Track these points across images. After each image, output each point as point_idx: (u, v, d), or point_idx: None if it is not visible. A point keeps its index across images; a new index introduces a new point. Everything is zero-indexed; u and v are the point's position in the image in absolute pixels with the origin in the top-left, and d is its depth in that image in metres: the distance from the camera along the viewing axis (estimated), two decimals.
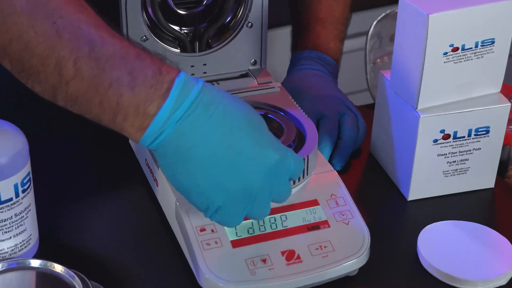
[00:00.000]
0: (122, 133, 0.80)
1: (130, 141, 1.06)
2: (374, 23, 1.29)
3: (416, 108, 0.98)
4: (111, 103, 0.77)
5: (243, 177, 0.80)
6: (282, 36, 1.42)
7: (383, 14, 1.28)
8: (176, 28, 1.03)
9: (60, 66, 0.77)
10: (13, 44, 0.77)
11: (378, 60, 1.30)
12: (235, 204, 0.82)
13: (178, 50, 1.02)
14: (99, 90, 0.77)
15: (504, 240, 0.93)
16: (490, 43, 0.97)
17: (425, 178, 1.01)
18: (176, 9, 1.02)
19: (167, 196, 0.93)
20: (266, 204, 0.83)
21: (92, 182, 1.03)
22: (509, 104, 0.99)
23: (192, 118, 0.78)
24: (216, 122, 0.79)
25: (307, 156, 0.92)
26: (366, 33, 1.34)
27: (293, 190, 0.91)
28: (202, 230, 0.87)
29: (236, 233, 0.87)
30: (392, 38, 1.30)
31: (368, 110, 1.16)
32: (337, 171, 0.97)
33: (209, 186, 0.80)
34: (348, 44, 1.37)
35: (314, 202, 0.91)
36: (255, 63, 1.07)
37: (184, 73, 0.79)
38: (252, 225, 0.88)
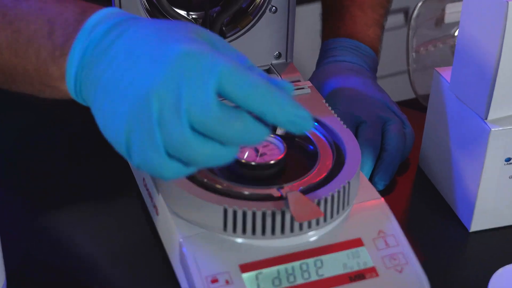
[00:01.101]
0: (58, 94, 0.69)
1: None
2: (419, 4, 1.09)
3: (486, 118, 0.78)
4: (31, 61, 0.68)
5: (138, 84, 0.61)
6: (309, 17, 1.22)
7: None
8: (183, 13, 0.83)
9: None
10: None
11: (422, 48, 1.10)
12: (137, 126, 0.61)
13: None
14: (18, 52, 0.68)
15: None
16: None
17: (493, 205, 0.82)
18: None
19: (168, 230, 0.73)
20: (178, 122, 0.60)
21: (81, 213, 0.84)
22: None
23: (98, 48, 0.64)
24: (120, 45, 0.63)
25: (348, 183, 0.72)
26: (406, 10, 1.15)
27: (331, 227, 0.72)
28: (214, 281, 0.68)
29: (258, 284, 0.68)
30: (438, 22, 1.11)
31: (414, 111, 0.97)
32: (380, 191, 0.78)
33: (110, 110, 0.62)
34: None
35: (358, 242, 0.72)
36: (279, 56, 0.89)
37: (104, 10, 0.66)
38: (279, 274, 0.69)
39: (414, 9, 1.09)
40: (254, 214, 0.69)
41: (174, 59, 0.60)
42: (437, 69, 0.86)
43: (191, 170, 0.62)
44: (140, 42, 0.63)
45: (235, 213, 0.69)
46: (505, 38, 0.74)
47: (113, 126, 0.63)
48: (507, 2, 0.72)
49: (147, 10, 0.81)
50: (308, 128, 0.61)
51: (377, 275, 0.70)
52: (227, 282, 0.68)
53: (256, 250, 0.70)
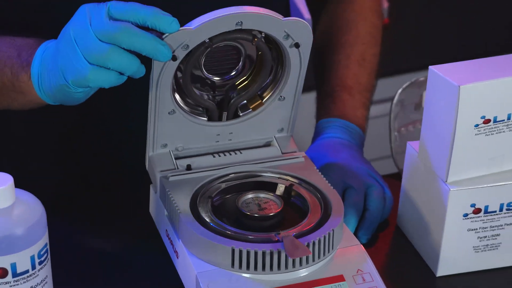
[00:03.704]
0: (28, 98, 0.95)
1: (150, 210, 1.03)
2: (399, 91, 1.27)
3: (446, 181, 0.95)
4: (8, 77, 0.95)
5: (63, 31, 0.88)
6: (307, 102, 1.40)
7: (408, 82, 1.26)
8: (205, 96, 1.00)
9: None
10: None
11: (403, 128, 1.27)
12: (64, 50, 0.87)
13: (205, 119, 0.99)
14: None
15: None
16: None
17: (455, 254, 0.98)
18: (208, 76, 0.98)
19: (187, 269, 0.90)
20: (88, 35, 0.85)
21: (112, 253, 1.01)
22: None
23: (49, 51, 0.91)
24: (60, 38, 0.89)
25: (333, 230, 0.89)
26: (390, 99, 1.32)
27: (319, 265, 0.88)
28: None
29: None
30: (416, 107, 1.28)
31: (394, 180, 1.13)
32: (363, 244, 0.94)
33: (52, 62, 0.90)
34: (372, 110, 1.35)
35: (340, 278, 0.88)
36: (281, 130, 1.04)
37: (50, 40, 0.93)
38: None
39: (395, 96, 1.26)
40: (256, 254, 0.86)
41: (80, 9, 0.87)
42: (409, 142, 1.03)
43: (110, 75, 0.86)
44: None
45: (241, 252, 0.86)
46: (458, 115, 0.91)
47: (54, 73, 0.88)
48: (459, 86, 0.90)
49: (176, 102, 0.97)
50: (174, 27, 0.85)
51: None
52: None
53: (258, 283, 0.86)
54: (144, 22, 0.85)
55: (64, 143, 1.13)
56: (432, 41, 2.09)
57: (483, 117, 0.93)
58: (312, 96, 1.27)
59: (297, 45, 0.93)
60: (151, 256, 0.99)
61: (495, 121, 0.93)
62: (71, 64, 0.86)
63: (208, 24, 0.87)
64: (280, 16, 0.90)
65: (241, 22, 0.88)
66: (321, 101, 1.21)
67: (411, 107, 1.30)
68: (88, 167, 1.13)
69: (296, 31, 0.91)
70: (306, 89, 1.56)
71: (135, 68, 0.86)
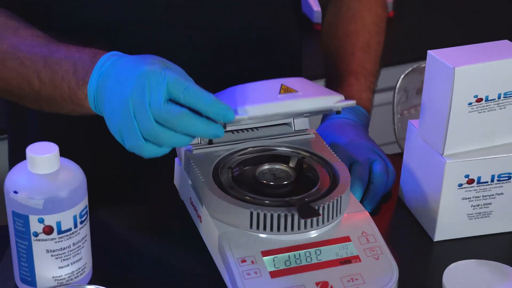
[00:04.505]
0: (84, 111, 1.02)
1: (175, 181, 1.14)
2: (402, 77, 1.37)
3: (442, 154, 1.05)
4: (65, 91, 1.01)
5: (121, 93, 0.92)
6: None
7: (410, 69, 1.36)
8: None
9: (31, 84, 1.04)
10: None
11: (405, 112, 1.38)
12: (123, 120, 0.92)
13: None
14: (56, 85, 1.02)
15: None
16: None
17: (451, 220, 1.08)
18: None
19: (210, 231, 1.00)
20: (145, 114, 0.90)
21: (141, 220, 1.11)
22: None
23: (104, 76, 0.97)
24: (116, 73, 0.95)
25: (340, 197, 0.99)
26: (394, 87, 1.42)
27: (327, 228, 0.99)
28: (243, 261, 0.95)
29: (274, 264, 0.95)
30: (418, 92, 1.38)
31: (397, 157, 1.23)
32: (368, 213, 1.04)
33: (111, 112, 0.94)
34: (377, 98, 1.45)
35: (347, 239, 0.98)
36: None
37: (109, 53, 0.99)
38: (289, 258, 0.95)
39: (398, 81, 1.37)
40: (272, 216, 0.96)
41: (138, 75, 0.91)
42: (410, 120, 1.13)
43: (163, 150, 0.93)
44: (123, 69, 0.95)
45: (258, 215, 0.96)
46: (453, 95, 1.02)
47: (111, 124, 0.94)
48: (454, 68, 1.01)
49: None
50: (230, 117, 0.91)
51: (360, 260, 0.97)
52: (252, 262, 0.95)
53: (273, 242, 0.97)
54: (200, 110, 0.91)
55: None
56: (434, 33, 2.19)
57: (476, 96, 1.03)
58: (321, 83, 1.36)
59: (338, 112, 1.04)
60: (177, 222, 1.09)
61: (486, 100, 1.03)
62: (128, 134, 0.92)
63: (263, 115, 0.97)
64: (333, 99, 1.01)
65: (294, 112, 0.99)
66: (329, 85, 1.31)
67: (413, 92, 1.41)
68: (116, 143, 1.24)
69: (342, 108, 1.03)
70: (316, 76, 1.67)
71: (187, 144, 0.94)
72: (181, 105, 0.91)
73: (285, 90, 0.99)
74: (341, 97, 1.02)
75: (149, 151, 0.93)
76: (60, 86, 1.02)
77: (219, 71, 1.23)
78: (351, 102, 1.00)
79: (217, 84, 1.22)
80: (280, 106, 0.97)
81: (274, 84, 1.00)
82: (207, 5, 1.19)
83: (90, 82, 0.98)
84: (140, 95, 0.90)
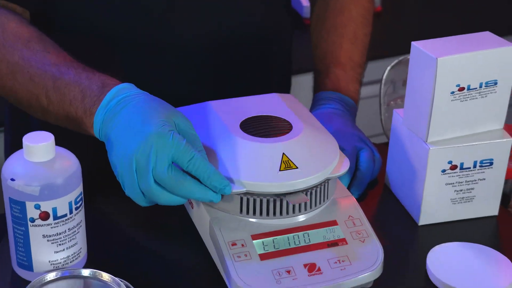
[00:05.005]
0: (88, 133, 1.05)
1: None
2: (388, 68, 1.40)
3: (426, 141, 1.08)
4: (72, 115, 1.05)
5: (127, 146, 0.95)
6: (306, 82, 1.54)
7: (396, 61, 1.39)
8: None
9: (39, 100, 1.08)
10: (7, 94, 1.12)
11: (392, 102, 1.41)
12: (125, 173, 0.96)
13: None
14: (64, 108, 1.06)
15: (504, 259, 1.03)
16: (493, 84, 1.08)
17: (434, 205, 1.11)
18: None
19: (201, 216, 1.04)
20: (147, 175, 0.94)
21: (136, 209, 1.13)
22: (511, 139, 1.10)
23: (111, 113, 1.00)
24: (123, 115, 0.98)
25: (328, 182, 1.03)
26: (381, 80, 1.45)
27: (315, 212, 1.02)
28: (234, 244, 0.98)
29: (264, 247, 0.98)
30: (404, 83, 1.41)
31: (383, 146, 1.26)
32: (356, 200, 1.07)
33: (114, 158, 0.97)
34: (364, 91, 1.48)
35: (334, 223, 1.02)
36: None
37: (118, 86, 1.01)
38: (278, 241, 0.99)
39: (384, 72, 1.40)
40: (261, 201, 1.00)
41: (146, 136, 0.94)
42: (395, 109, 1.17)
43: (161, 205, 0.98)
44: (132, 117, 0.97)
45: (248, 200, 1.00)
46: (436, 84, 1.05)
47: (115, 169, 0.98)
48: (437, 58, 1.04)
49: None
50: (227, 192, 0.97)
51: (346, 243, 1.00)
52: (242, 245, 0.98)
53: (263, 226, 1.00)
54: (200, 179, 0.96)
55: None
56: (420, 27, 2.23)
57: (458, 85, 1.06)
58: (310, 76, 1.40)
59: None
60: (169, 209, 1.11)
61: (468, 89, 1.07)
62: (128, 185, 0.97)
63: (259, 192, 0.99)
64: (331, 169, 1.02)
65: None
66: (317, 77, 1.35)
67: (399, 84, 1.44)
68: None
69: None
70: (305, 70, 1.69)
71: (182, 203, 0.98)
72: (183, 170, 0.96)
73: (286, 165, 1.00)
74: (340, 162, 1.04)
75: (146, 203, 0.99)
76: (68, 109, 1.05)
77: (214, 67, 1.26)
78: (344, 171, 1.03)
79: (211, 79, 1.26)
80: (278, 186, 0.99)
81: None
82: (202, 3, 1.22)
83: (97, 115, 1.01)
84: (145, 158, 0.94)
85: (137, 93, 1.01)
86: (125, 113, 0.98)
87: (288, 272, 0.96)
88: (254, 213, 1.00)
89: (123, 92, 1.01)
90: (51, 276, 0.96)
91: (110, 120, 0.99)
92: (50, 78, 1.06)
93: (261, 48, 1.31)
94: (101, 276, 0.97)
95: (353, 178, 1.17)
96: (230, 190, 0.97)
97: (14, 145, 1.36)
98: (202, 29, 1.22)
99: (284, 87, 1.40)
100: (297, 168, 0.99)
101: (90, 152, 1.12)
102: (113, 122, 0.99)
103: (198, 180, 0.96)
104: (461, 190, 1.11)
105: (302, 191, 1.00)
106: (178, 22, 1.21)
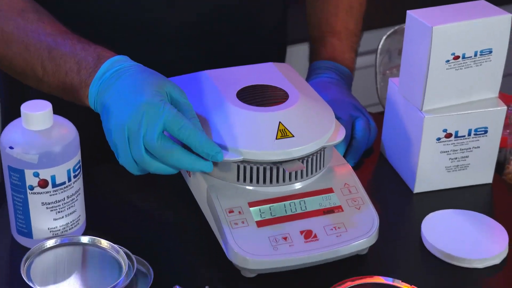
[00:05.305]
0: (82, 104, 1.06)
1: None
2: (384, 38, 1.41)
3: (421, 109, 1.09)
4: (68, 86, 1.05)
5: (120, 116, 0.97)
6: (302, 51, 1.55)
7: (392, 30, 1.40)
8: None
9: (34, 70, 1.08)
10: (0, 62, 1.12)
11: (388, 71, 1.42)
12: (118, 141, 0.97)
13: None
14: (60, 78, 1.06)
15: (498, 225, 1.05)
16: (488, 52, 1.08)
17: (429, 173, 1.12)
18: None
19: (199, 184, 1.05)
20: (138, 143, 0.96)
21: (134, 177, 1.15)
22: (505, 107, 1.11)
23: (105, 84, 1.01)
24: (117, 86, 1.00)
25: (324, 150, 1.03)
26: (376, 49, 1.46)
27: (311, 180, 1.03)
28: (231, 212, 0.99)
29: (261, 214, 0.99)
30: (400, 52, 1.41)
31: (379, 116, 1.27)
32: (351, 168, 1.08)
33: (108, 127, 0.99)
34: (360, 61, 1.49)
35: (330, 190, 1.03)
36: None
37: (113, 58, 1.03)
38: (275, 209, 1.00)
39: (380, 42, 1.41)
40: (258, 168, 1.01)
41: (138, 105, 0.96)
42: (391, 78, 1.17)
43: (152, 172, 1.00)
44: (125, 88, 0.99)
45: (245, 168, 1.01)
46: (431, 52, 1.06)
47: (109, 138, 0.99)
48: (432, 27, 1.05)
49: None
50: (219, 159, 0.97)
51: (342, 210, 1.01)
52: (239, 212, 0.99)
53: (260, 193, 1.01)
54: (192, 148, 0.97)
55: None
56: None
57: (453, 54, 1.07)
58: (306, 47, 1.41)
59: None
60: (168, 177, 1.13)
61: (463, 57, 1.07)
62: (122, 153, 0.98)
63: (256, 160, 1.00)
64: (327, 137, 1.03)
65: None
66: (313, 46, 1.35)
67: (395, 53, 1.44)
68: None
69: None
70: (301, 40, 1.69)
71: (173, 173, 1.00)
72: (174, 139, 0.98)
73: (282, 133, 1.01)
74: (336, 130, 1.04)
75: (138, 172, 1.00)
76: (63, 80, 1.06)
77: (208, 35, 1.26)
78: (340, 140, 1.03)
79: (205, 51, 1.26)
80: (275, 154, 0.99)
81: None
82: None
83: (92, 86, 1.02)
84: (136, 126, 0.96)
85: (131, 65, 1.02)
86: (119, 84, 0.99)
87: (285, 238, 0.97)
88: (251, 181, 1.01)
89: (117, 64, 1.02)
90: (50, 243, 0.97)
91: (104, 91, 1.00)
92: (46, 48, 1.07)
93: (252, 18, 1.31)
94: (100, 243, 0.98)
95: (349, 147, 1.18)
96: (222, 157, 0.97)
97: (11, 114, 1.37)
98: (193, 1, 1.23)
99: (279, 57, 1.40)
100: (293, 136, 1.00)
101: (85, 122, 1.13)
102: (107, 93, 1.00)
103: (191, 150, 0.97)
104: (456, 158, 1.12)
105: (298, 159, 1.01)
106: None
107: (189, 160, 0.97)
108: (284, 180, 1.02)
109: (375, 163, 1.21)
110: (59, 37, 1.07)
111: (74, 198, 1.00)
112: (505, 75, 1.14)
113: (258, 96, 1.05)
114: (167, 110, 0.96)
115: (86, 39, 1.08)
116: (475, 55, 1.08)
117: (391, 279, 0.95)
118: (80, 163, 1.00)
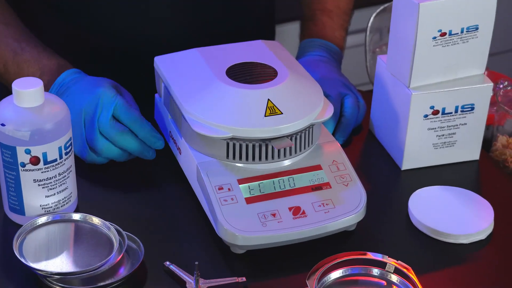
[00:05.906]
0: None
1: (155, 116, 1.19)
2: (373, 16, 1.41)
3: (409, 86, 1.11)
4: None
5: (79, 102, 1.08)
6: (293, 30, 1.56)
7: (381, 8, 1.41)
8: None
9: None
10: None
11: (377, 49, 1.43)
12: (75, 126, 1.07)
13: None
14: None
15: (484, 201, 1.06)
16: (474, 29, 1.09)
17: (417, 150, 1.13)
18: None
19: (189, 161, 1.06)
20: (92, 125, 1.06)
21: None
22: (491, 84, 1.12)
23: (64, 87, 1.13)
24: (76, 87, 1.11)
25: (312, 127, 1.05)
26: (366, 28, 1.47)
27: (300, 157, 1.04)
28: (220, 188, 1.00)
29: (250, 191, 1.00)
30: (389, 30, 1.42)
31: (368, 93, 1.28)
32: (340, 145, 1.10)
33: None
34: (350, 40, 1.49)
35: (318, 167, 1.04)
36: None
37: (72, 69, 1.15)
38: (264, 185, 1.01)
39: (369, 20, 1.41)
40: (247, 146, 1.02)
41: (95, 92, 1.08)
42: (379, 56, 1.18)
43: (101, 159, 1.10)
44: (82, 86, 1.11)
45: (234, 145, 1.02)
46: (418, 29, 1.07)
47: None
48: (419, 4, 1.06)
49: None
50: (158, 146, 1.09)
51: (330, 187, 1.02)
52: (229, 189, 1.00)
53: (249, 170, 1.02)
54: (137, 134, 1.08)
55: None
56: None
57: (439, 30, 1.08)
58: (296, 25, 1.41)
59: None
60: (157, 156, 1.14)
61: (450, 34, 1.09)
62: (76, 140, 1.08)
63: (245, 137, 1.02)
64: (315, 114, 1.04)
65: None
66: (304, 24, 1.36)
67: (384, 31, 1.45)
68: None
69: None
70: (290, 19, 1.70)
71: (124, 159, 1.10)
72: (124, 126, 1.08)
73: (271, 110, 1.02)
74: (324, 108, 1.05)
75: (90, 157, 1.09)
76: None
77: (198, 12, 1.27)
78: (328, 117, 1.04)
79: (194, 24, 1.27)
80: (263, 131, 1.00)
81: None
82: None
83: (51, 89, 1.13)
84: (92, 109, 1.07)
85: (87, 75, 1.15)
86: (77, 85, 1.11)
87: (274, 215, 0.99)
88: (240, 158, 1.02)
89: (76, 74, 1.14)
90: (42, 220, 0.98)
91: (63, 92, 1.12)
92: (11, 52, 1.17)
93: None
94: (91, 220, 0.99)
95: (337, 124, 1.19)
96: (163, 145, 1.08)
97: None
98: None
99: (268, 36, 1.41)
100: (281, 113, 1.01)
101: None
102: (66, 92, 1.11)
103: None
104: (443, 135, 1.13)
105: (287, 136, 1.02)
106: None
107: (136, 144, 1.08)
108: (273, 157, 1.03)
109: (364, 141, 1.22)
110: (24, 42, 1.17)
111: (65, 175, 1.01)
112: (495, 54, 1.15)
113: (247, 74, 1.06)
114: (119, 98, 1.07)
115: (50, 48, 1.18)
116: (462, 31, 1.09)
117: (380, 255, 0.97)
118: (72, 140, 1.01)
